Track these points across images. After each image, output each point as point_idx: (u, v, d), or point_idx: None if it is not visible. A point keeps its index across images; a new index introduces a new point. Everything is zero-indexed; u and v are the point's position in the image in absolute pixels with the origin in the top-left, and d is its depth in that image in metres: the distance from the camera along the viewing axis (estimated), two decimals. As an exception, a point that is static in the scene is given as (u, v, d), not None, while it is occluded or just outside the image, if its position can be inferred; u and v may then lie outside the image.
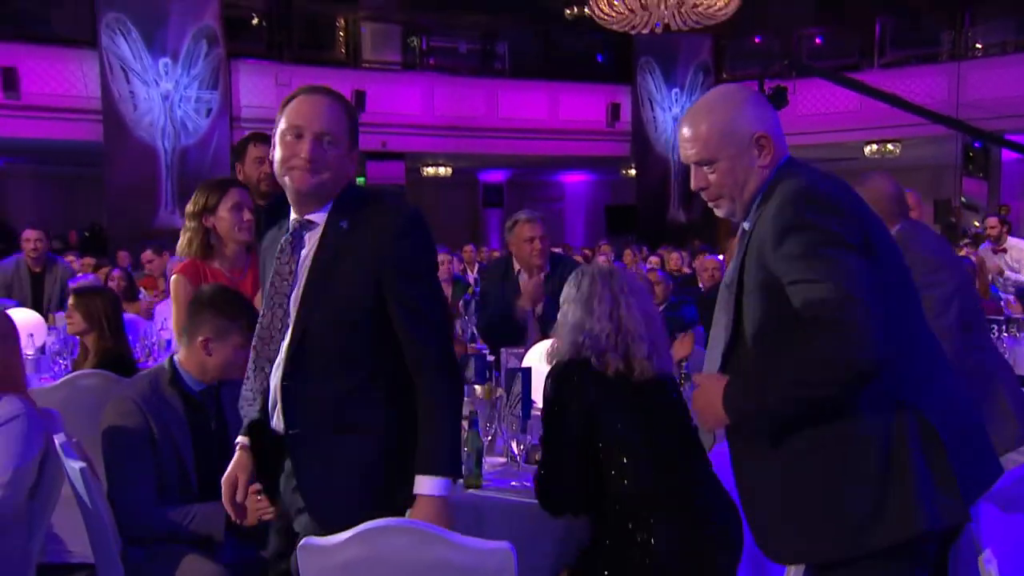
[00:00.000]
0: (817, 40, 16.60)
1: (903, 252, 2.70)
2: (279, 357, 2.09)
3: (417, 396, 2.09)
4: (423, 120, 13.90)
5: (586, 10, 10.29)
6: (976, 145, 14.10)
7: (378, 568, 1.96)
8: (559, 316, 2.56)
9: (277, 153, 2.06)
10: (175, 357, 2.76)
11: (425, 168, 16.14)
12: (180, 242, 3.19)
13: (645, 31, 10.10)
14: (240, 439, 2.22)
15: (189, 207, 3.15)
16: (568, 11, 15.25)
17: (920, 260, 2.99)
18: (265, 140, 3.70)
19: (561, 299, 2.58)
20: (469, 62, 15.17)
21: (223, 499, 2.20)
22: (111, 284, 6.88)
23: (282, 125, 2.06)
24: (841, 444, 1.79)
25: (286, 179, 2.05)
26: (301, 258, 2.09)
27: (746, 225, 1.96)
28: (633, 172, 15.64)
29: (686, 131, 1.96)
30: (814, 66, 14.70)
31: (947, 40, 14.65)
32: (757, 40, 16.48)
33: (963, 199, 14.34)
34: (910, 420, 1.77)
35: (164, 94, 11.92)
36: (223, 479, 2.19)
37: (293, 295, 2.08)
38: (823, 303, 1.69)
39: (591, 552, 2.42)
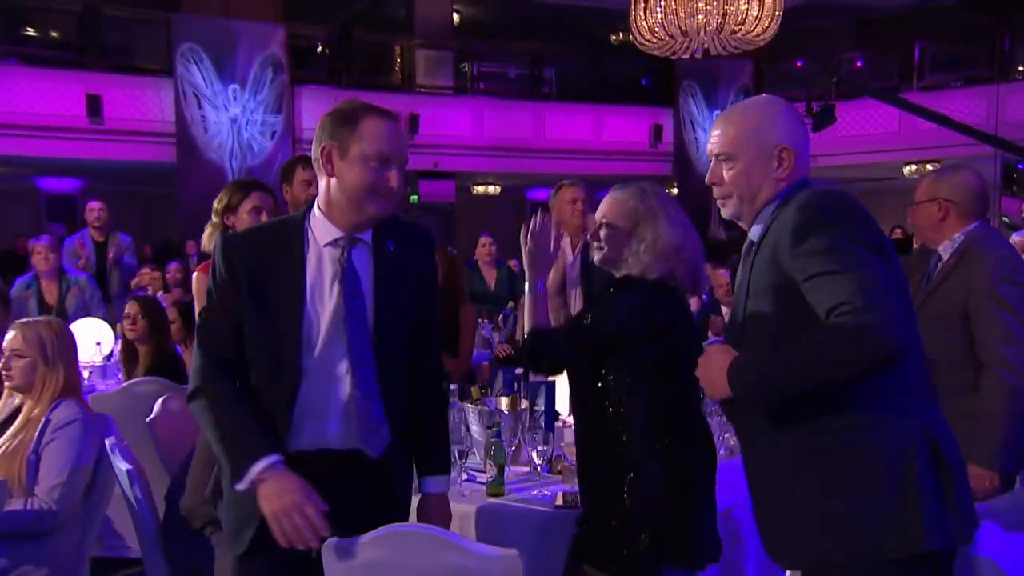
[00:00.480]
0: (857, 63, 16.33)
1: (980, 250, 2.73)
2: (343, 369, 2.00)
3: (421, 402, 2.15)
4: (473, 141, 14.00)
5: (630, 36, 10.28)
6: (1020, 167, 13.75)
7: (395, 571, 1.98)
8: (636, 233, 2.28)
9: (358, 176, 1.95)
10: None
11: (475, 187, 16.24)
12: (203, 237, 3.21)
13: (685, 56, 10.03)
14: (272, 458, 1.92)
15: (215, 204, 3.15)
16: (614, 37, 15.28)
17: (1000, 258, 2.78)
18: (311, 163, 3.74)
19: (623, 214, 2.30)
20: (517, 86, 15.22)
21: (291, 528, 1.90)
22: (168, 276, 7.10)
23: (366, 149, 1.94)
24: (852, 451, 1.75)
25: (368, 204, 1.97)
26: (360, 274, 2.03)
27: (754, 236, 1.93)
28: (675, 191, 15.54)
29: (718, 123, 1.95)
30: (865, 85, 14.46)
31: (986, 63, 14.31)
32: (799, 64, 16.28)
33: (1003, 218, 13.98)
34: (919, 432, 1.74)
35: (232, 118, 12.19)
36: (287, 507, 1.88)
37: (367, 308, 2.02)
38: (847, 289, 1.65)
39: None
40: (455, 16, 15.34)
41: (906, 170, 14.40)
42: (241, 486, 1.91)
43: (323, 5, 14.63)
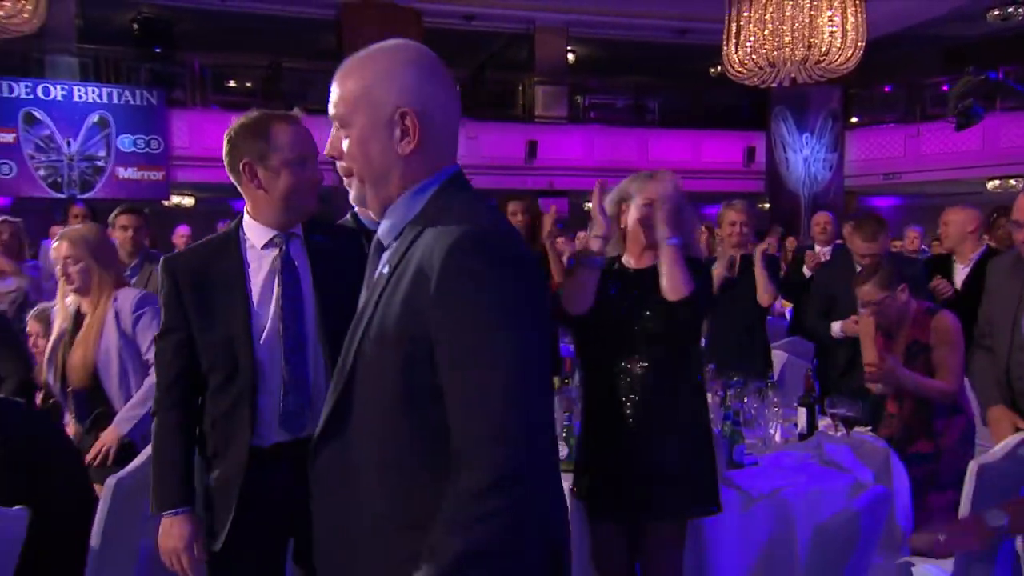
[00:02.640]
0: (944, 87, 15.27)
1: None
2: (312, 352, 1.89)
3: None
4: (584, 163, 13.92)
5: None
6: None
7: None
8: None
9: (285, 181, 1.89)
10: None
11: (585, 203, 16.15)
12: None
13: (774, 85, 9.67)
14: (177, 510, 1.87)
15: None
16: (712, 69, 14.88)
17: None
18: None
19: None
20: (624, 115, 15.07)
21: (169, 563, 1.89)
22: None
23: (287, 155, 1.88)
24: None
25: (298, 202, 1.92)
26: (299, 265, 1.95)
27: (383, 233, 1.31)
28: (767, 206, 15.01)
29: (335, 77, 1.28)
30: (1009, 86, 13.48)
31: (1069, 83, 13.11)
32: (887, 89, 15.41)
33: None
34: None
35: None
36: (168, 549, 1.88)
37: (310, 295, 1.94)
38: (489, 414, 1.08)
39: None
40: (570, 56, 15.33)
41: (990, 185, 13.41)
42: (152, 513, 1.91)
43: (460, 51, 14.93)
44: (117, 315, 2.83)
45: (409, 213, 1.26)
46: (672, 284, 2.26)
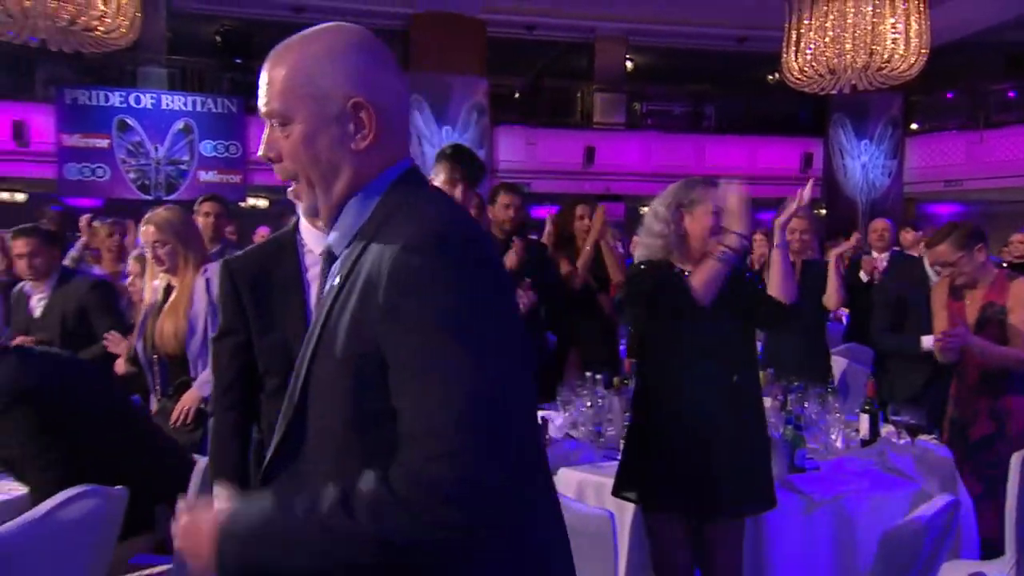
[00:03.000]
0: (1010, 94, 14.68)
1: None
2: None
3: None
4: (641, 169, 13.80)
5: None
6: None
7: None
8: None
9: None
10: None
11: (642, 207, 16.00)
12: None
13: (834, 92, 9.45)
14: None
15: None
16: (770, 77, 14.60)
17: None
18: (512, 190, 3.86)
19: None
20: (681, 122, 14.87)
21: None
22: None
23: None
24: None
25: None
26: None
27: (333, 241, 1.12)
28: (824, 211, 14.65)
29: (265, 65, 1.10)
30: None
31: None
32: (948, 96, 14.88)
33: None
34: None
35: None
36: None
37: None
38: (445, 408, 0.91)
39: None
40: (628, 64, 15.22)
41: (1056, 192, 12.84)
42: None
43: (519, 59, 14.97)
44: (208, 283, 2.94)
45: (360, 217, 1.07)
46: (785, 289, 2.34)
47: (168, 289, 3.08)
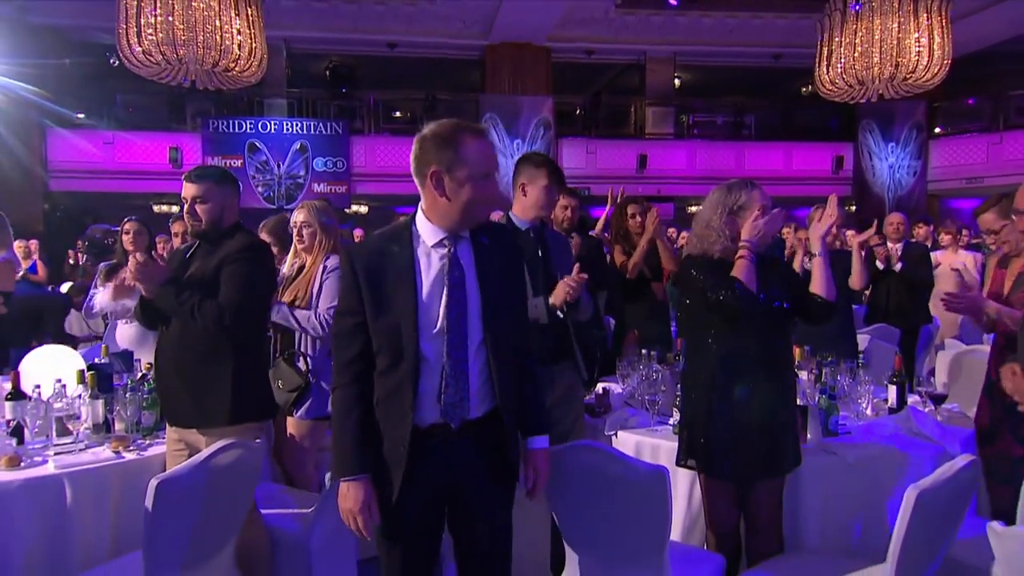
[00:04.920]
0: (1028, 98, 13.70)
1: None
2: (474, 347, 1.71)
3: (523, 374, 1.82)
4: (687, 173, 13.55)
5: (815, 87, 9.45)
6: None
7: (576, 473, 1.96)
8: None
9: (469, 193, 1.66)
10: None
11: (689, 207, 15.69)
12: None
13: (863, 101, 9.05)
14: (358, 476, 1.71)
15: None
16: (804, 88, 14.07)
17: None
18: (570, 193, 3.76)
19: None
20: (723, 131, 14.50)
21: (347, 522, 1.74)
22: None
23: (474, 170, 1.65)
24: None
25: (477, 213, 1.70)
26: (465, 265, 1.74)
27: None
28: (853, 208, 14.06)
29: None
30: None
31: None
32: (970, 102, 14.01)
33: None
34: None
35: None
36: (346, 509, 1.72)
37: (475, 295, 1.73)
38: None
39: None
40: (676, 81, 14.93)
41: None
42: (331, 480, 1.81)
43: (580, 80, 14.87)
44: (324, 269, 3.02)
45: None
46: (828, 291, 2.31)
47: (301, 268, 3.13)
